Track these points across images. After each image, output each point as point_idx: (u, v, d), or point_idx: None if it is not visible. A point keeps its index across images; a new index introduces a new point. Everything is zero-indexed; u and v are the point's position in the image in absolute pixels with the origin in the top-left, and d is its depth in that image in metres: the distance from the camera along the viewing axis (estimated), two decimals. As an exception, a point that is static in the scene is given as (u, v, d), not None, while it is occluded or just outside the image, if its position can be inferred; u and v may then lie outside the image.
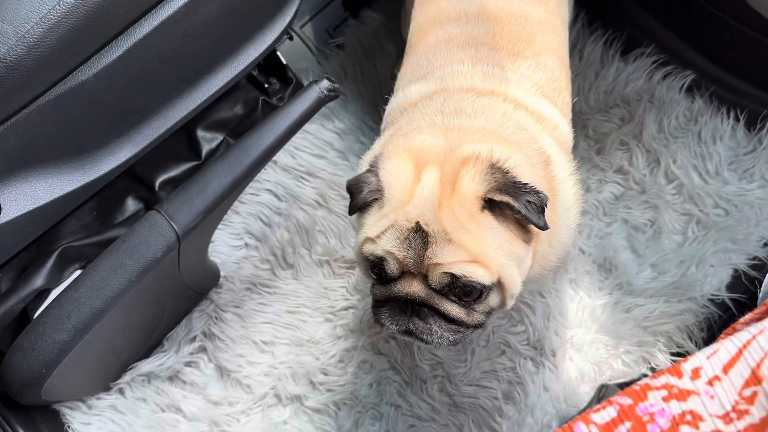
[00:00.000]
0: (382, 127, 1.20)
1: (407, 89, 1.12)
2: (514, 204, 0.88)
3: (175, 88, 1.25)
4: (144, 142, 1.22)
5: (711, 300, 1.44)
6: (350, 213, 0.98)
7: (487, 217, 0.90)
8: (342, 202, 1.58)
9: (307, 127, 1.42)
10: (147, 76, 1.16)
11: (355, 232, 1.51)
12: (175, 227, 1.21)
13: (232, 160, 1.25)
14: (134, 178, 1.44)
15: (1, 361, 1.21)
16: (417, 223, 0.89)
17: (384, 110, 1.23)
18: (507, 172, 0.90)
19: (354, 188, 0.96)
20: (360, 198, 0.95)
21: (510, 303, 0.97)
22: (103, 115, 1.13)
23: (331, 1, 1.80)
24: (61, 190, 1.15)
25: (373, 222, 0.94)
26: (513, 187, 0.88)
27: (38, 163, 1.10)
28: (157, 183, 1.44)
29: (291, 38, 1.59)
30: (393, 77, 1.71)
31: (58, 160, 1.12)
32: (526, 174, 0.92)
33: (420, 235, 0.89)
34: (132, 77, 1.12)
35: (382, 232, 0.92)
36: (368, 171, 0.97)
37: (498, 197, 0.89)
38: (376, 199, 0.94)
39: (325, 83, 1.29)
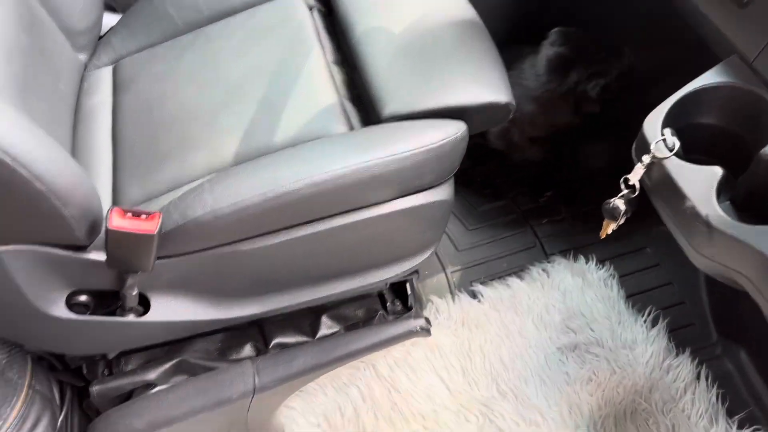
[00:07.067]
0: None
1: None
2: None
3: (314, 278, 1.55)
4: (269, 307, 1.52)
5: None
6: None
7: None
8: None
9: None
10: (296, 261, 1.46)
11: None
12: (256, 381, 1.47)
13: (320, 351, 1.51)
14: (259, 330, 1.75)
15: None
16: None
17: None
18: None
19: None
20: None
21: None
22: (247, 277, 1.46)
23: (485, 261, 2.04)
24: (196, 316, 1.48)
25: None
26: None
27: (189, 289, 1.43)
28: (273, 342, 1.73)
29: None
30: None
31: (203, 294, 1.46)
32: None
33: None
34: (283, 260, 1.43)
35: None
36: None
37: None
38: None
39: (421, 321, 1.52)
